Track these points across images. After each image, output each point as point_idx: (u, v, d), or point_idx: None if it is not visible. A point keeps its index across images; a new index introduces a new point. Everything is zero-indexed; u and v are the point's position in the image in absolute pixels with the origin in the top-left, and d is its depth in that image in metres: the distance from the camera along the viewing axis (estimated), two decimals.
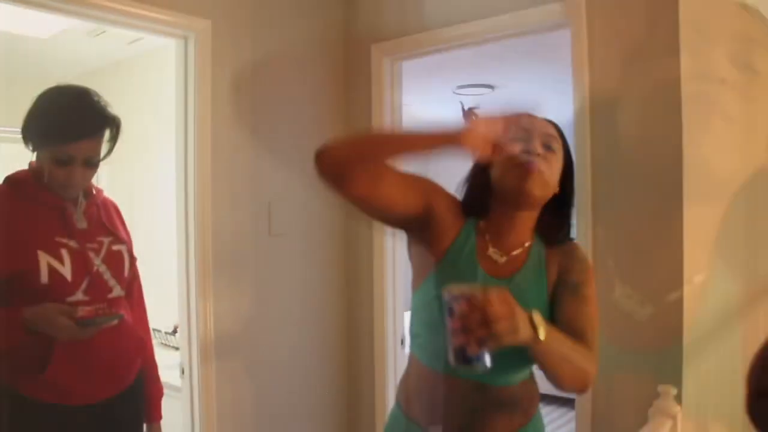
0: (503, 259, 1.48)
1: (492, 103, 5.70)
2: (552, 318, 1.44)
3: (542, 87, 5.12)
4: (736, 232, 2.82)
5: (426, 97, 5.44)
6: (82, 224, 1.81)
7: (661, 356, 2.11)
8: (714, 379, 2.39)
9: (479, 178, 1.52)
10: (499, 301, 1.13)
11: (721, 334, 2.51)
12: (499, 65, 4.46)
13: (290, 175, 2.87)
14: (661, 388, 1.92)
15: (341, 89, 3.10)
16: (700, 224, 2.29)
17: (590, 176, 2.30)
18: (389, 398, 2.96)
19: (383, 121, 2.94)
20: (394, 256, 3.00)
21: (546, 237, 1.52)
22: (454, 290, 1.16)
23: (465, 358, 1.14)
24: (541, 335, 1.20)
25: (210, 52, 2.55)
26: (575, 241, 1.57)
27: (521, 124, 1.42)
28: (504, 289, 1.18)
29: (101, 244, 1.83)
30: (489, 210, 1.51)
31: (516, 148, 1.41)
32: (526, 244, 1.50)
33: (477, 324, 1.11)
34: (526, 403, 1.50)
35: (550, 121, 1.52)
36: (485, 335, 1.11)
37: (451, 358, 1.16)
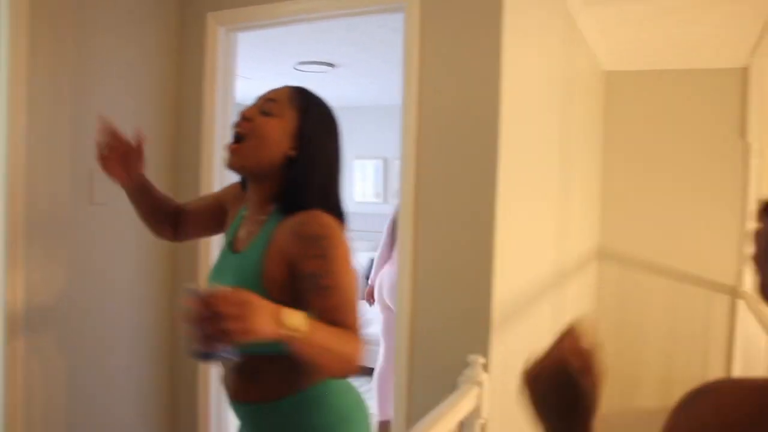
0: (244, 232, 1.56)
1: (333, 81, 5.74)
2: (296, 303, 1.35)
3: (382, 68, 5.23)
4: (546, 221, 3.05)
5: (267, 71, 5.38)
6: None
7: (472, 329, 2.25)
8: (520, 349, 2.58)
9: None
10: (228, 301, 1.12)
11: (527, 309, 2.72)
12: (339, 44, 4.49)
13: None
14: (469, 358, 2.06)
15: (173, 56, 3.00)
16: (512, 212, 2.46)
17: (414, 161, 2.39)
18: (211, 372, 2.93)
19: (215, 92, 2.88)
20: None
21: (280, 206, 1.50)
22: (191, 287, 1.15)
23: (198, 352, 1.16)
24: (292, 331, 1.20)
25: (28, 5, 2.37)
26: (315, 212, 1.44)
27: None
28: (241, 290, 1.18)
29: None
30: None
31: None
32: (264, 217, 1.52)
33: (207, 322, 1.11)
34: (281, 376, 1.47)
35: (292, 87, 1.54)
36: (215, 333, 1.12)
37: (188, 350, 1.17)
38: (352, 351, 1.33)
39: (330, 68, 5.26)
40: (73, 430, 2.61)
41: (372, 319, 6.26)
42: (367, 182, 7.73)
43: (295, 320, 1.21)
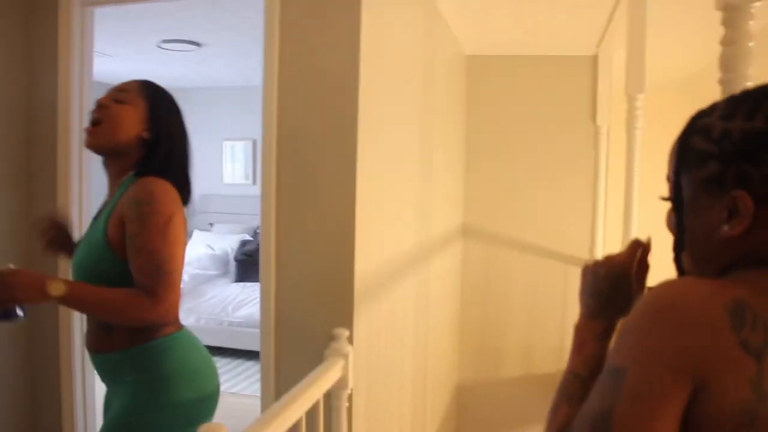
0: (104, 202, 1.82)
1: (199, 60, 5.62)
2: None
3: (250, 48, 5.17)
4: (408, 199, 3.16)
5: (129, 49, 5.20)
6: None
7: (336, 303, 2.31)
8: (384, 321, 2.68)
9: None
10: None
11: (391, 283, 2.82)
12: (203, 22, 4.41)
13: None
14: (335, 331, 2.12)
15: (22, 33, 2.82)
16: (372, 191, 2.53)
17: (275, 142, 2.40)
18: (75, 340, 2.83)
19: (71, 71, 2.75)
20: (81, 196, 2.84)
21: (131, 176, 1.74)
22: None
23: None
24: (55, 293, 1.51)
25: None
26: (148, 179, 1.68)
27: None
28: (7, 271, 1.52)
29: None
30: None
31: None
32: (118, 187, 1.75)
33: None
34: (130, 328, 1.67)
35: (140, 81, 1.80)
36: None
37: None
38: (131, 310, 1.58)
39: (196, 47, 5.15)
40: None
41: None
42: (236, 164, 7.62)
43: (55, 288, 1.51)
